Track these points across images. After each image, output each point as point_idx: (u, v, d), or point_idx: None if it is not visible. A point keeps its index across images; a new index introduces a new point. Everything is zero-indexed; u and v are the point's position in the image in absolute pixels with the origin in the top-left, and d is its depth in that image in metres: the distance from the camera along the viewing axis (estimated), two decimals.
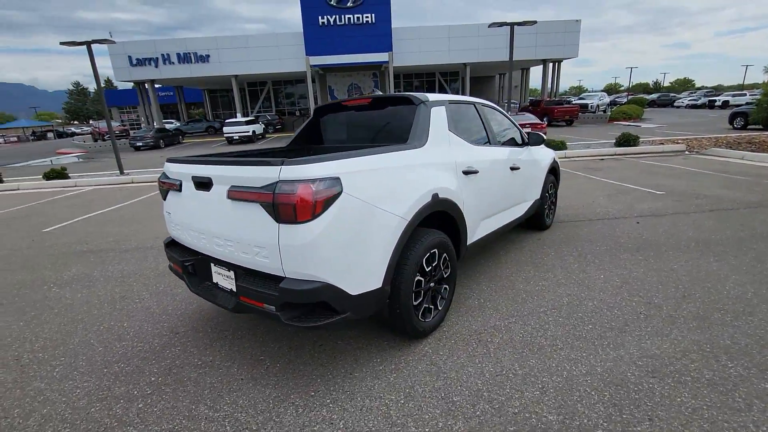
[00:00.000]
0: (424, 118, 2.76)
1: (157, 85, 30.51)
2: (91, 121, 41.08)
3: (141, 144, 22.93)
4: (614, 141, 12.36)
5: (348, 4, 24.11)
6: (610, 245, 4.20)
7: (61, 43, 10.98)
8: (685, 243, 4.13)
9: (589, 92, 36.24)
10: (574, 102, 26.66)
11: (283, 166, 1.83)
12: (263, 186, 1.87)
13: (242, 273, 2.14)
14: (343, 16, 24.32)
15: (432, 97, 2.96)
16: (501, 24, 11.44)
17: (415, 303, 2.42)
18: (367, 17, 24.39)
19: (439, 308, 2.71)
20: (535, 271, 3.65)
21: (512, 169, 3.66)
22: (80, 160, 20.05)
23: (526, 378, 2.17)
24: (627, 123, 22.02)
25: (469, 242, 3.03)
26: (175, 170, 2.47)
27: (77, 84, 60.97)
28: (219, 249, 2.20)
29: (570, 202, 6.15)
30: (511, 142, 4.12)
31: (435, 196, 2.45)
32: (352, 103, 3.32)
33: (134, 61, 25.52)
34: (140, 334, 2.89)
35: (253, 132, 24.10)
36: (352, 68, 27.98)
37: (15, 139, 42.73)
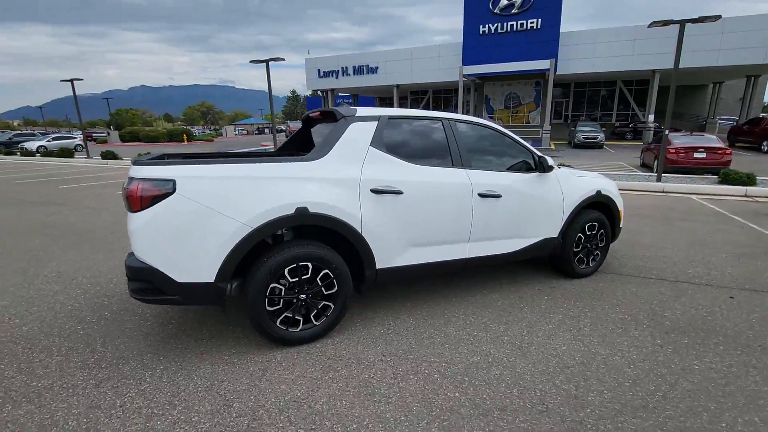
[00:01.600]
0: (336, 133, 2.75)
1: (341, 93, 35.82)
2: (287, 122, 51.82)
3: None
4: None
5: (512, 11, 23.08)
6: (635, 316, 3.12)
7: (251, 62, 14.31)
8: None
9: None
10: None
11: (132, 166, 2.26)
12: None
13: None
14: (505, 24, 23.44)
15: (363, 111, 2.89)
16: (666, 23, 9.04)
17: (269, 309, 2.50)
18: (532, 23, 22.83)
19: (316, 323, 2.68)
20: (490, 319, 3.07)
21: (483, 195, 3.15)
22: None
23: (283, 412, 2.01)
24: None
25: (382, 266, 2.84)
26: None
27: (293, 91, 77.08)
28: None
29: (667, 253, 4.66)
30: (520, 167, 3.52)
31: (302, 209, 2.45)
32: (314, 116, 3.50)
33: (321, 74, 30.70)
34: None
35: None
36: (510, 77, 26.67)
37: (245, 132, 57.57)
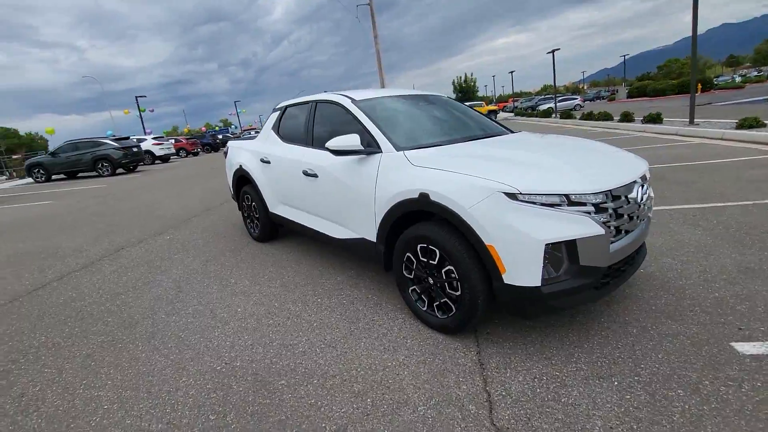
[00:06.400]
0: (266, 120, 4.34)
1: None
2: None
3: None
4: None
5: None
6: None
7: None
8: None
9: None
10: None
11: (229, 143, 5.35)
12: None
13: None
14: None
15: (284, 103, 4.13)
16: None
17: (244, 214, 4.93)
18: None
19: (255, 232, 4.74)
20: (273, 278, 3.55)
21: (306, 174, 3.39)
22: None
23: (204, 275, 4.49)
24: None
25: (272, 212, 4.21)
26: None
27: None
28: None
29: None
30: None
31: (240, 166, 4.53)
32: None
33: None
34: None
35: None
36: None
37: None
